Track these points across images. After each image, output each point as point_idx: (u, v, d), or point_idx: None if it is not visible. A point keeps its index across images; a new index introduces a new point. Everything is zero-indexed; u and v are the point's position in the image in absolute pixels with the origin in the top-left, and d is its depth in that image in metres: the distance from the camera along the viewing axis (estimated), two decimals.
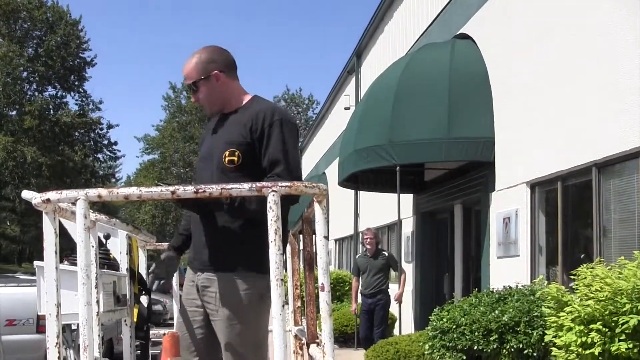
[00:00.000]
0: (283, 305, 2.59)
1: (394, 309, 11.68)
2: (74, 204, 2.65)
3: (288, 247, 5.40)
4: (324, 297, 2.78)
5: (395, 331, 12.44)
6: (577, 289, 4.82)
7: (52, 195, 2.63)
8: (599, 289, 4.54)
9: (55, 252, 2.64)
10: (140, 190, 2.65)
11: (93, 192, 2.58)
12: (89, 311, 2.48)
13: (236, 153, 3.37)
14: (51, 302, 2.65)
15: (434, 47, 11.49)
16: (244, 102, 3.57)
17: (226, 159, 3.39)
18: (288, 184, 2.71)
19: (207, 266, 3.52)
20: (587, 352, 4.50)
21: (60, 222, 2.90)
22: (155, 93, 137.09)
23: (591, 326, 4.50)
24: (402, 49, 15.19)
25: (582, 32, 7.32)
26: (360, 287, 11.26)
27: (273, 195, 2.64)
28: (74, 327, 4.99)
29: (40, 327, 9.16)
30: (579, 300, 4.73)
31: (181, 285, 4.25)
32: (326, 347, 2.80)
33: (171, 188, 2.68)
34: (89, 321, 2.47)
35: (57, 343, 2.63)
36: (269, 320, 3.54)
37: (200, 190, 2.66)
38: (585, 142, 7.20)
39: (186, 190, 2.68)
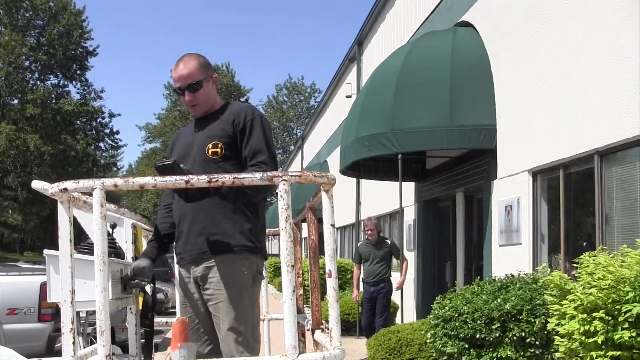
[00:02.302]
0: (294, 291, 2.63)
1: (396, 297, 11.72)
2: (86, 193, 2.70)
3: None
4: (331, 283, 2.83)
5: (397, 319, 12.50)
6: (579, 277, 4.84)
7: (69, 184, 2.68)
8: (602, 277, 4.55)
9: (70, 240, 2.69)
10: (155, 180, 2.70)
11: (109, 182, 2.63)
12: (105, 297, 2.53)
13: (219, 145, 3.68)
14: (66, 289, 2.69)
15: (435, 35, 11.47)
16: (221, 105, 3.92)
17: (209, 151, 3.69)
18: (298, 173, 2.75)
19: (203, 255, 3.65)
20: (590, 340, 4.52)
21: None
22: (157, 82, 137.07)
23: (594, 314, 4.51)
24: (404, 36, 15.16)
25: (584, 20, 7.32)
26: (362, 275, 11.30)
27: (284, 184, 2.68)
28: (82, 314, 5.03)
29: (41, 316, 9.15)
30: (582, 288, 4.75)
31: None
32: (333, 332, 2.85)
33: (185, 178, 2.72)
34: (105, 307, 2.51)
35: (71, 329, 2.68)
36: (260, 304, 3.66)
37: (213, 180, 2.70)
38: (587, 129, 7.21)
39: (200, 180, 2.72)
